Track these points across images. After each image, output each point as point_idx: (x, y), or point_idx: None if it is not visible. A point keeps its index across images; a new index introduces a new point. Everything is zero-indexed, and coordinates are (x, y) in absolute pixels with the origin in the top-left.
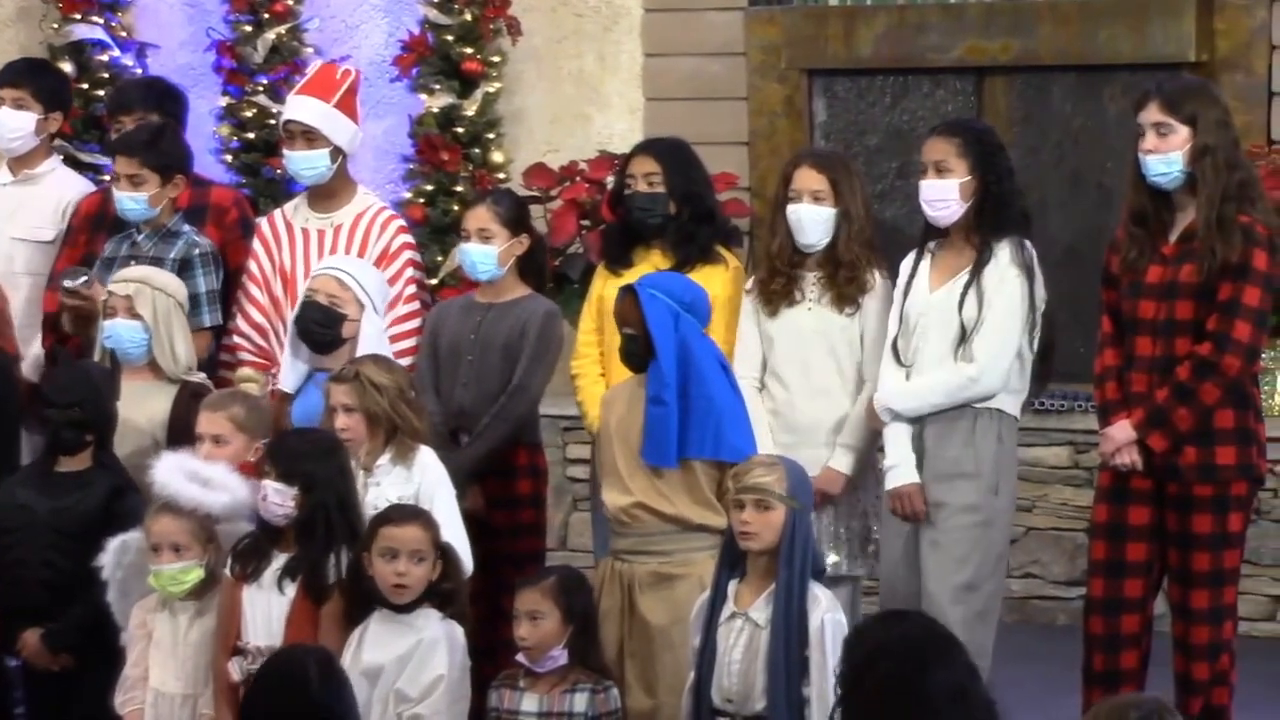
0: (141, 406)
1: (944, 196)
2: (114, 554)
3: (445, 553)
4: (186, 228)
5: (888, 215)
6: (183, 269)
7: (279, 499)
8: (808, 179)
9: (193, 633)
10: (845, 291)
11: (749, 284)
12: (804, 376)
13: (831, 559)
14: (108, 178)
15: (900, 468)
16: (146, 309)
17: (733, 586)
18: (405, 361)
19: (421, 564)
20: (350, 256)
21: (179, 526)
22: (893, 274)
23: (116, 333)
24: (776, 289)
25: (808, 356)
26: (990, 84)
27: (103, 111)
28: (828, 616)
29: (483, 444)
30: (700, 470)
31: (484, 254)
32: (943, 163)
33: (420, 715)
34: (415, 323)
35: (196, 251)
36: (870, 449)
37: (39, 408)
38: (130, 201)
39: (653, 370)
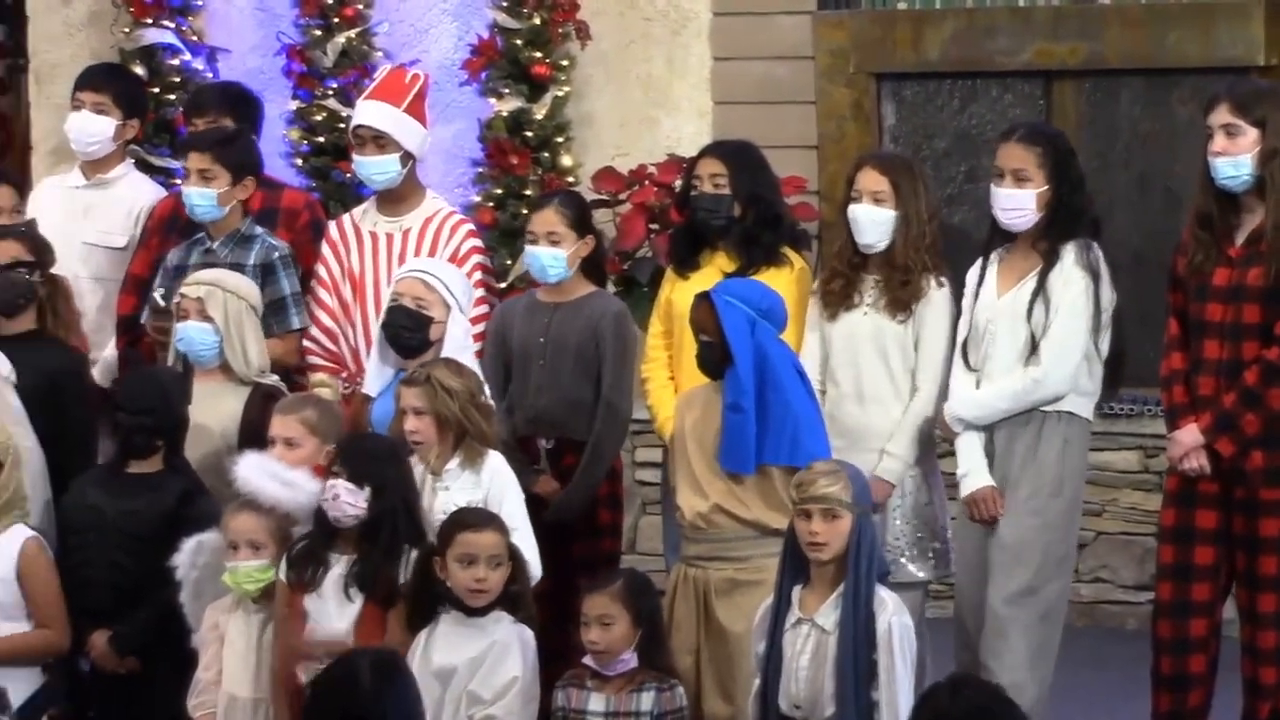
0: (213, 408)
1: (1022, 206)
2: (189, 555)
3: (514, 556)
4: (259, 230)
5: (955, 219)
6: (265, 274)
7: (351, 499)
8: (869, 180)
9: (266, 636)
10: (899, 296)
11: (814, 286)
12: (856, 381)
13: (907, 565)
14: (179, 181)
15: (974, 473)
16: (218, 311)
17: (797, 592)
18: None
19: (499, 569)
20: (434, 259)
21: (258, 524)
22: (959, 278)
23: (188, 335)
24: (835, 291)
25: (860, 361)
26: (1059, 87)
27: (174, 115)
28: (894, 620)
29: (588, 479)
30: (776, 476)
31: (554, 257)
32: (1022, 171)
33: (494, 716)
34: (483, 326)
35: (276, 255)
36: (923, 456)
37: (110, 411)
38: (198, 197)
39: (730, 377)
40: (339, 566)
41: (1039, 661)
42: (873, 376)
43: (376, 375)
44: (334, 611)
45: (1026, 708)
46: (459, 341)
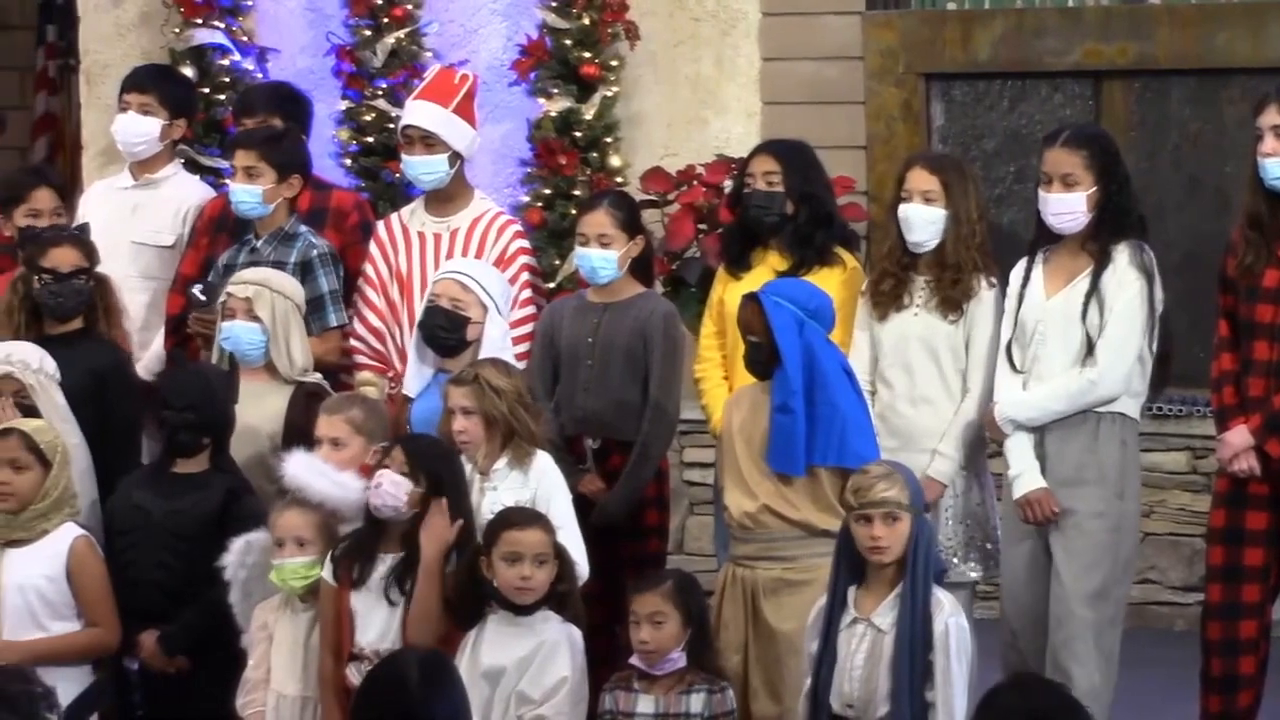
0: (257, 407)
1: (1072, 209)
2: (237, 554)
3: (560, 555)
4: (303, 229)
5: (1004, 220)
6: (304, 271)
7: (394, 489)
8: (919, 179)
9: (314, 634)
10: (950, 296)
11: (864, 286)
12: (908, 382)
13: (959, 565)
14: (228, 181)
15: (1026, 474)
16: (265, 311)
17: (852, 592)
18: (521, 365)
19: (544, 567)
20: (471, 259)
21: (305, 521)
22: (1007, 278)
23: (235, 334)
24: (885, 291)
25: (911, 362)
26: (1108, 88)
27: (224, 115)
28: (951, 621)
29: (635, 480)
30: (825, 476)
31: (604, 259)
32: (1070, 176)
33: (543, 717)
34: (530, 327)
35: (315, 253)
36: (974, 456)
37: (156, 410)
38: (244, 194)
39: (779, 378)
40: (384, 565)
41: (1110, 665)
42: (924, 377)
43: (415, 376)
44: (377, 609)
45: (1102, 712)
46: (497, 343)
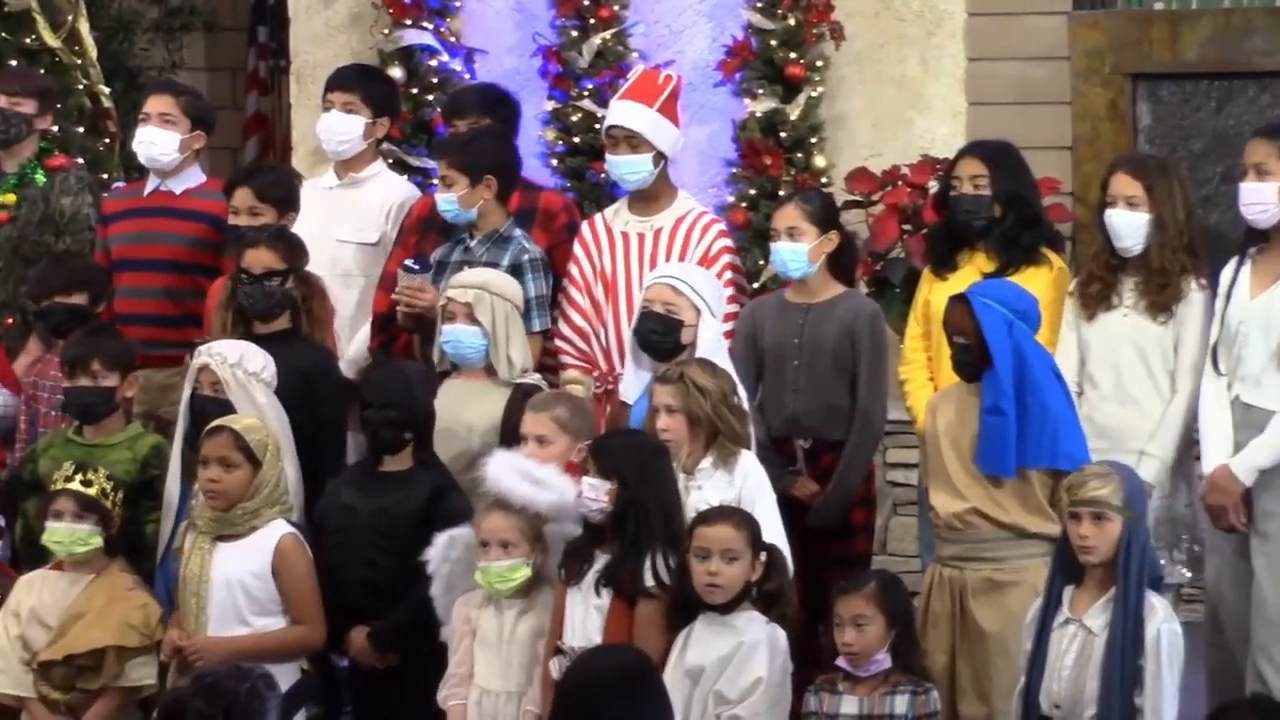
0: (476, 408)
1: (1262, 200)
2: (441, 549)
3: (770, 554)
4: (518, 232)
5: (1212, 221)
6: (514, 275)
7: (593, 494)
8: (1123, 184)
9: (519, 631)
10: (1158, 299)
11: (1071, 287)
12: (1115, 382)
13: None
14: (436, 181)
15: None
16: (485, 315)
17: (1068, 592)
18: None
19: (734, 563)
20: (682, 263)
21: (509, 524)
22: (1215, 281)
23: (456, 337)
24: (1093, 294)
25: (1120, 363)
26: None
27: (432, 116)
28: (1164, 627)
29: (843, 488)
30: (1035, 478)
31: (794, 252)
32: (1263, 165)
33: (739, 717)
34: (732, 325)
35: (526, 257)
36: (1181, 458)
37: (359, 407)
38: (443, 202)
39: (989, 379)
40: (598, 564)
41: None
42: (1133, 378)
43: (633, 381)
44: (584, 607)
45: None
46: (711, 344)
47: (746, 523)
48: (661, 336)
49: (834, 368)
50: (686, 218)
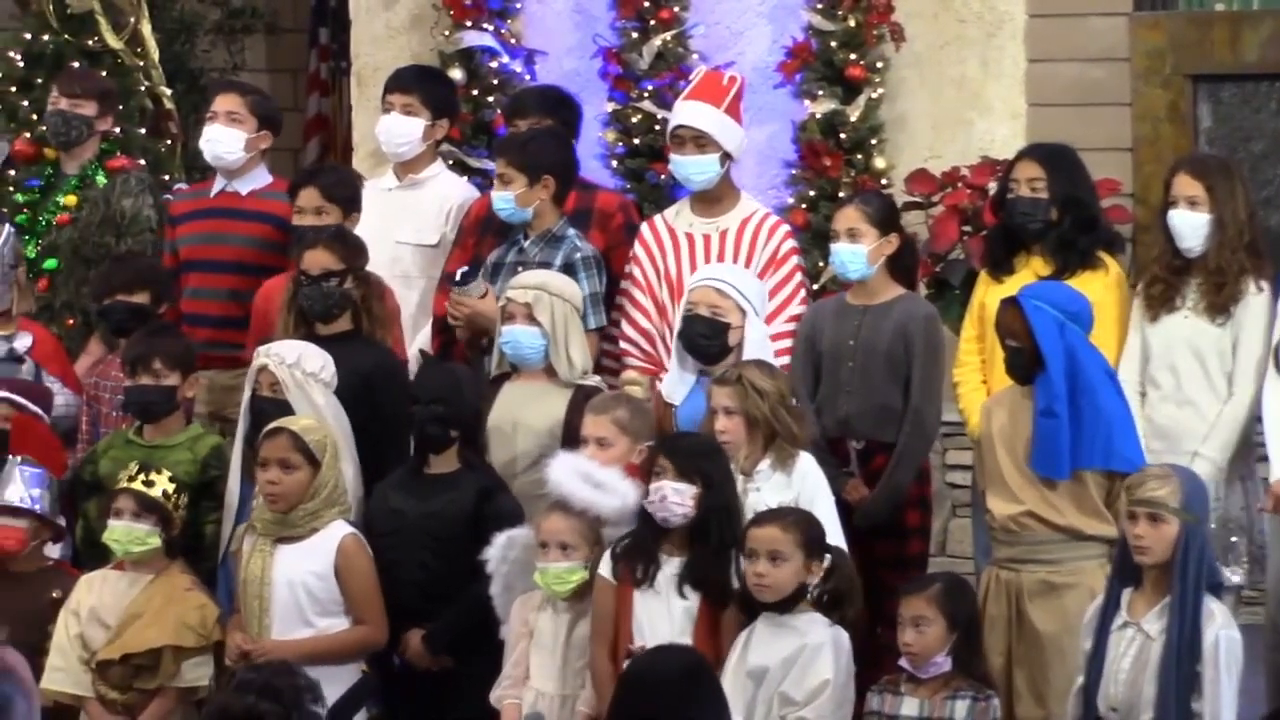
0: (537, 410)
1: None
2: (500, 549)
3: (835, 556)
4: (571, 231)
5: (1273, 222)
6: (567, 274)
7: (678, 498)
8: (1184, 185)
9: (576, 633)
10: (1216, 300)
11: (1137, 288)
12: (1174, 384)
13: (1222, 570)
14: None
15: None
16: (545, 315)
17: (1127, 595)
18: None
19: (781, 564)
20: (725, 265)
21: (568, 526)
22: (1277, 282)
23: (515, 338)
24: (1155, 295)
25: (1177, 364)
26: None
27: (492, 118)
28: (1222, 633)
29: (892, 487)
30: (1090, 480)
31: (853, 253)
32: None
33: (805, 719)
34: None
35: (579, 256)
36: (1240, 459)
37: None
38: (500, 200)
39: (1041, 382)
40: (670, 566)
41: None
42: (1189, 379)
43: (677, 382)
44: (667, 611)
45: None
46: (757, 345)
47: (797, 525)
48: (709, 340)
49: (888, 369)
50: (752, 219)
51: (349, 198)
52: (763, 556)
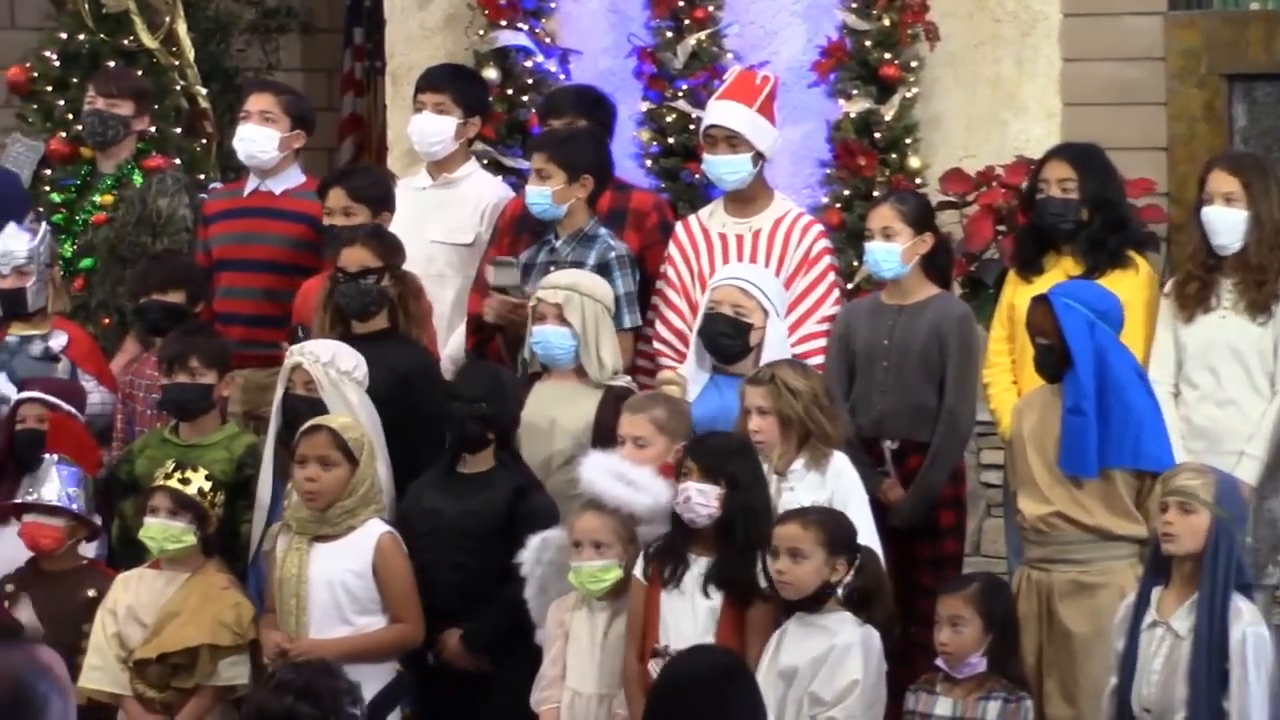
0: (568, 410)
1: None
2: (534, 550)
3: (863, 555)
4: (603, 230)
5: None
6: (601, 273)
7: (702, 499)
8: (1220, 181)
9: (611, 632)
10: (1257, 297)
11: (1167, 288)
12: (1214, 384)
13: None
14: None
15: None
16: (575, 316)
17: (1156, 593)
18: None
19: (801, 561)
20: (747, 264)
21: (602, 525)
22: None
23: (546, 338)
24: (1190, 294)
25: (1217, 364)
26: None
27: (526, 117)
28: (1250, 630)
29: (926, 487)
30: (1120, 480)
31: (887, 252)
32: None
33: (835, 719)
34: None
35: (612, 255)
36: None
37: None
38: (535, 195)
39: (1070, 380)
40: (698, 566)
41: None
42: (1231, 379)
43: (693, 379)
44: (691, 611)
45: None
46: (776, 346)
47: (819, 523)
48: (732, 339)
49: (921, 369)
50: (785, 219)
51: (379, 198)
52: (784, 553)
